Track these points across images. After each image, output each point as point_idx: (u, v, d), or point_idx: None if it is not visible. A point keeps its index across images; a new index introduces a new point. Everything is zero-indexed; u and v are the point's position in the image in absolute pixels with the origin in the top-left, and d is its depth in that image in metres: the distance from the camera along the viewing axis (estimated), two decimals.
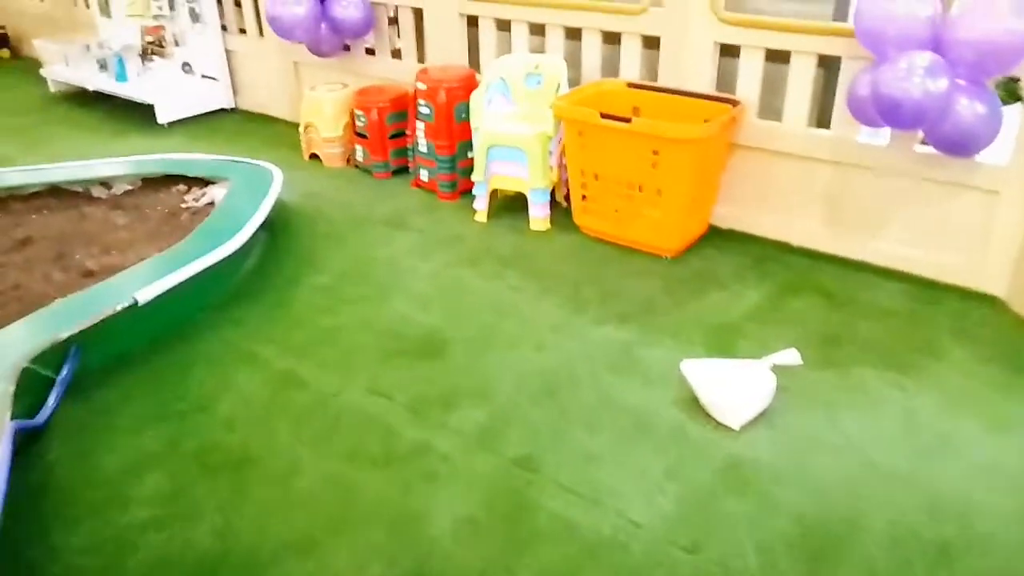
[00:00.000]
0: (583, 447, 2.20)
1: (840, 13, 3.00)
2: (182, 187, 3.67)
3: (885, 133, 2.93)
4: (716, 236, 3.36)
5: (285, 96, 4.99)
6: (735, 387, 2.28)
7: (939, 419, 2.30)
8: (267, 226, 3.28)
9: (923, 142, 2.83)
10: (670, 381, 2.44)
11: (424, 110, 3.75)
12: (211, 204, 3.48)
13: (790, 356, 2.38)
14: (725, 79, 3.26)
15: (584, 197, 3.32)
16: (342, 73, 4.57)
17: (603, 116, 3.05)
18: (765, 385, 2.30)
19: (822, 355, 2.56)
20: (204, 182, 3.66)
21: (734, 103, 3.10)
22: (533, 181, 3.44)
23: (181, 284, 2.68)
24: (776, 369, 2.34)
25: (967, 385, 2.44)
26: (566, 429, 2.27)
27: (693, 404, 2.34)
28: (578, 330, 2.75)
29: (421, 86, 3.73)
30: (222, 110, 5.25)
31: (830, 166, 3.09)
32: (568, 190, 3.56)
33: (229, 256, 2.90)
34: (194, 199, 3.56)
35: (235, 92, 5.27)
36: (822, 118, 3.15)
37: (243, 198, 3.40)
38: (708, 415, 2.30)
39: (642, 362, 2.57)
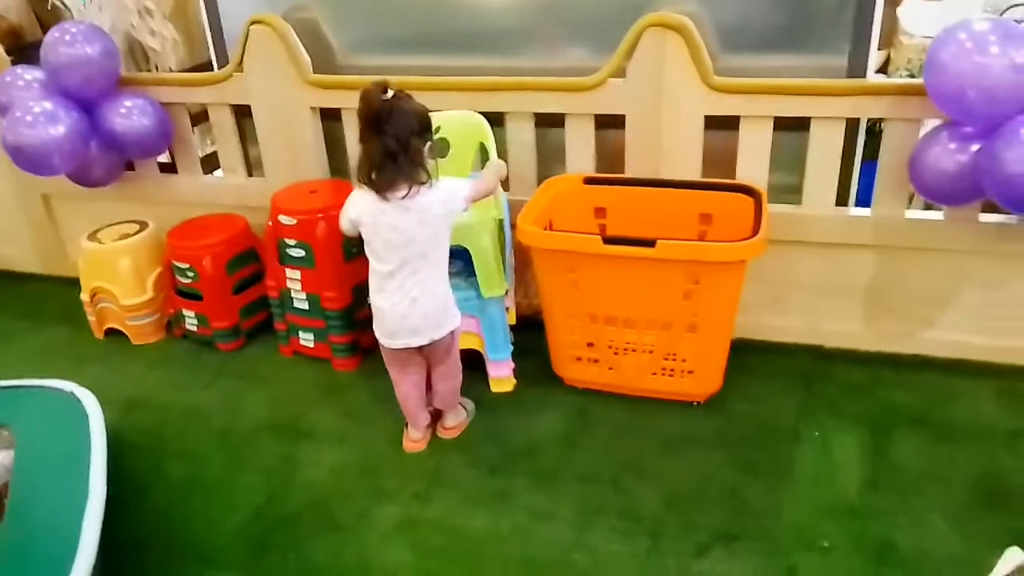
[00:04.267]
0: None
1: (856, 66, 2.36)
2: None
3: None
4: (735, 354, 2.57)
5: (34, 242, 3.47)
6: None
7: None
8: None
9: (985, 210, 2.29)
10: None
11: (296, 252, 2.59)
12: None
13: (1016, 558, 1.69)
14: (707, 159, 2.51)
15: (589, 345, 2.37)
16: (123, 203, 3.18)
17: (607, 241, 2.15)
18: None
19: (1005, 528, 1.88)
20: None
21: (751, 191, 2.35)
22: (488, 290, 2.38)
23: None
24: None
25: None
26: None
27: None
28: None
29: (287, 220, 2.56)
30: None
31: (871, 251, 2.45)
32: (513, 305, 2.62)
33: None
34: None
35: None
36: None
37: (49, 470, 2.02)
38: None
39: None
